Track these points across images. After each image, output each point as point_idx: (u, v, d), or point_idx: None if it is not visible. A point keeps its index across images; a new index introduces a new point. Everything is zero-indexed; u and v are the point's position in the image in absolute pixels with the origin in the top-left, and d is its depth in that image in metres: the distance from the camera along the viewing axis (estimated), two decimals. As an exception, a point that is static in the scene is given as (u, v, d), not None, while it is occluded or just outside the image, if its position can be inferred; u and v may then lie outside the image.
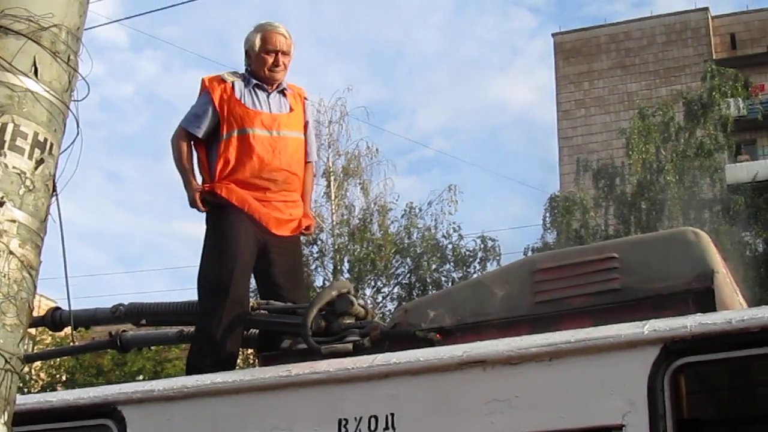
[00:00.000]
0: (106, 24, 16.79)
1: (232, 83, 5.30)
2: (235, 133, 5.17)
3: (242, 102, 5.25)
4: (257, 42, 5.38)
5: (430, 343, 4.22)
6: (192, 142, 5.34)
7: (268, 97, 5.35)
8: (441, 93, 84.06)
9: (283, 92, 5.43)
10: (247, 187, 5.14)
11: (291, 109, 5.41)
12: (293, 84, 5.55)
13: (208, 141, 5.29)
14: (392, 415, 3.71)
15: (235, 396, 4.05)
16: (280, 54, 5.37)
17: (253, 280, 5.31)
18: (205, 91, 5.31)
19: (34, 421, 4.23)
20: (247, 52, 5.45)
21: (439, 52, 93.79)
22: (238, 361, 5.60)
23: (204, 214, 5.22)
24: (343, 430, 3.76)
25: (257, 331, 5.21)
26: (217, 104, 5.23)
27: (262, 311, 5.05)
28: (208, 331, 4.90)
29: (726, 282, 4.27)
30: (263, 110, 5.27)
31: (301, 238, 5.65)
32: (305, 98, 5.58)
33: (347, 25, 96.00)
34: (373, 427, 3.73)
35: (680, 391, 3.39)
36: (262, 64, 5.36)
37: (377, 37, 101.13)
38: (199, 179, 5.32)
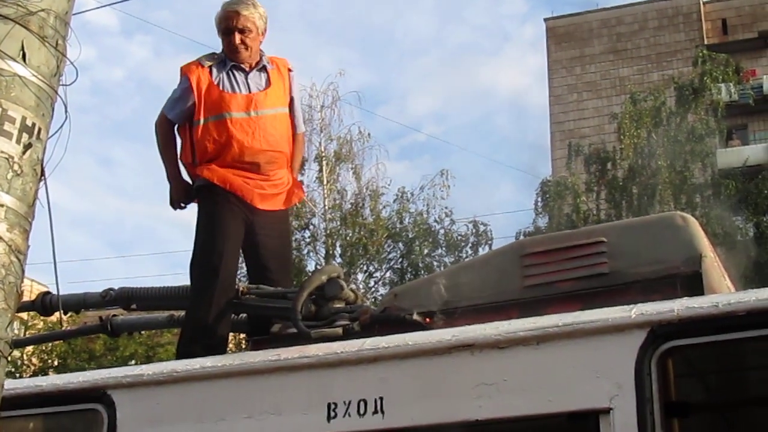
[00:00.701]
0: (96, 8, 16.71)
1: (210, 67, 5.13)
2: (212, 119, 5.03)
3: (218, 86, 5.08)
4: (216, 23, 5.23)
5: (420, 327, 4.24)
6: (177, 126, 5.23)
7: (246, 77, 5.17)
8: (433, 78, 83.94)
9: (264, 68, 5.24)
10: (230, 169, 5.03)
11: (269, 85, 5.21)
12: (276, 57, 5.34)
13: (191, 125, 5.13)
14: (381, 398, 3.73)
15: (225, 380, 4.06)
16: (236, 33, 5.14)
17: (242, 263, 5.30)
18: (184, 76, 5.15)
19: (24, 405, 4.24)
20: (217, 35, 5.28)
21: (431, 36, 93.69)
22: (230, 345, 5.59)
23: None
24: (332, 413, 3.78)
25: (246, 315, 5.21)
26: (194, 88, 5.07)
27: (251, 296, 5.04)
28: (198, 315, 4.89)
29: (714, 266, 4.28)
30: (239, 92, 5.10)
31: (294, 223, 5.63)
32: (290, 69, 5.38)
33: (339, 9, 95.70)
34: (362, 411, 3.74)
35: (667, 374, 3.41)
36: (223, 45, 5.22)
37: (369, 22, 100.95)
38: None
